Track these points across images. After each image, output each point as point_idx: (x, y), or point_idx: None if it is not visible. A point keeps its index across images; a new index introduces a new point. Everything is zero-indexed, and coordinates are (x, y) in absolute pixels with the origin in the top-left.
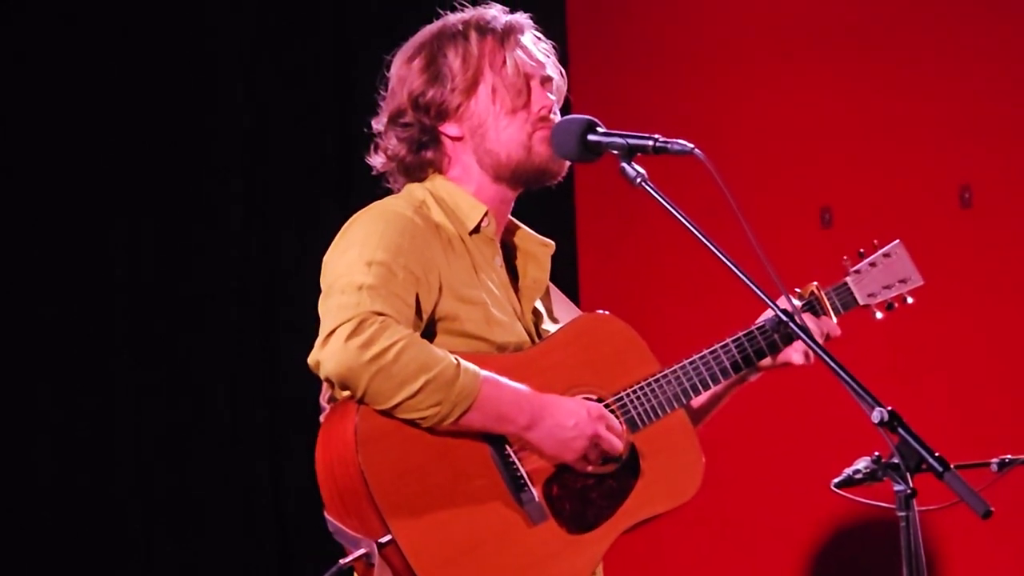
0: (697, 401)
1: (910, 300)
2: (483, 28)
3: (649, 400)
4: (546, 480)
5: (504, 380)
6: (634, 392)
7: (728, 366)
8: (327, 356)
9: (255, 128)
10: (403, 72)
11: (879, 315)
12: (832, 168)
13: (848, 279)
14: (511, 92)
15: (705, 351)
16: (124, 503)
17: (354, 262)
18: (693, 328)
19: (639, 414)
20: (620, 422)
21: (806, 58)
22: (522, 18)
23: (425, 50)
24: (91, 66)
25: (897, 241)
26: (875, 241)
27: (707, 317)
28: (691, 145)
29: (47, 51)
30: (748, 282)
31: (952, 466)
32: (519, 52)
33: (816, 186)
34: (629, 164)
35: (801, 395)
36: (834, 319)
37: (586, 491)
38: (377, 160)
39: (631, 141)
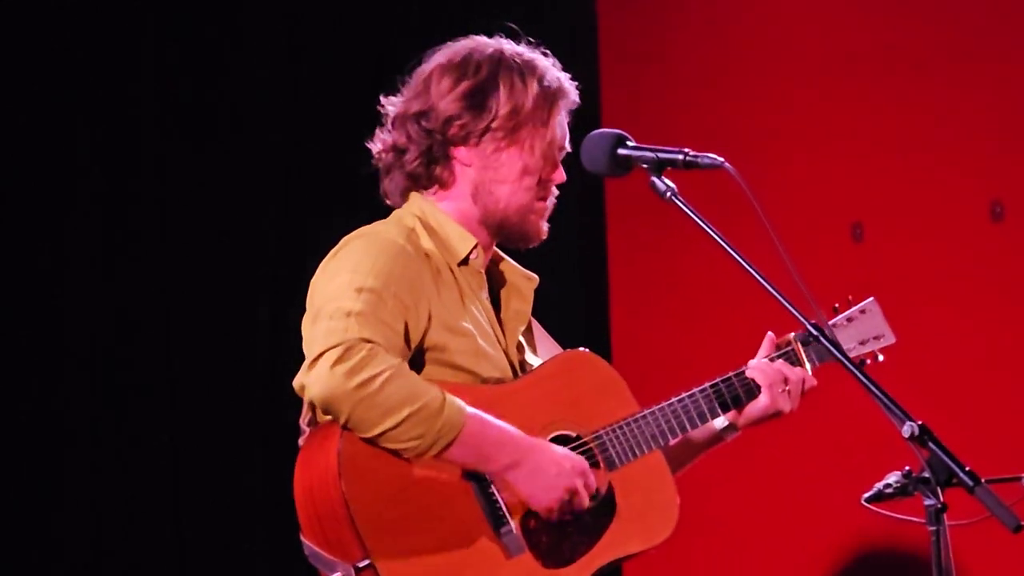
0: (676, 449)
1: (881, 358)
2: (542, 83)
3: (627, 439)
4: (524, 513)
5: (492, 419)
6: (613, 431)
7: (705, 411)
8: (312, 381)
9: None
10: (447, 85)
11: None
12: (863, 183)
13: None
14: (543, 159)
15: (684, 395)
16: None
17: (344, 287)
18: (722, 341)
19: (617, 453)
20: (600, 463)
21: (837, 73)
22: (571, 84)
23: (478, 77)
24: (124, 93)
25: (871, 299)
26: (849, 297)
27: (737, 330)
28: (721, 159)
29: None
30: (778, 296)
31: (983, 480)
32: (560, 119)
33: (847, 201)
34: (659, 178)
35: (831, 409)
36: (809, 370)
37: (563, 526)
38: (377, 146)
39: (661, 155)
